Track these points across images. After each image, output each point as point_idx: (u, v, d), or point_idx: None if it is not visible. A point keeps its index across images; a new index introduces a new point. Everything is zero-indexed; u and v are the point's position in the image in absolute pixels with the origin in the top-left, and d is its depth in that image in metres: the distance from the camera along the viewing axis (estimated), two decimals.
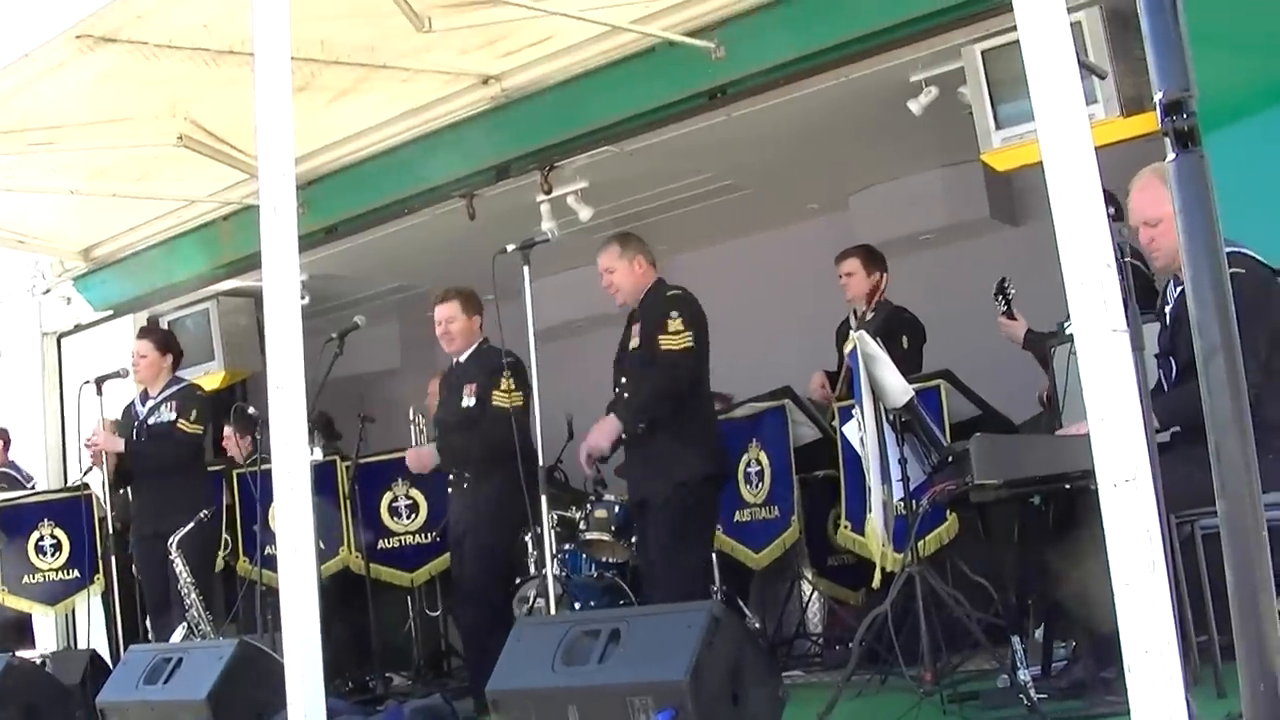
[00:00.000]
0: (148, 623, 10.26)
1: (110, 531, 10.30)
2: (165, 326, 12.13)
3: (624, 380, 8.04)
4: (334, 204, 10.70)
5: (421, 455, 9.01)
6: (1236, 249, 5.87)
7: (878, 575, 6.75)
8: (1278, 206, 6.45)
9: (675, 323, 7.87)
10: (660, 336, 7.87)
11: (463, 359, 8.79)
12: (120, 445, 9.86)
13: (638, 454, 7.99)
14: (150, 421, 9.80)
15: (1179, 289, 6.08)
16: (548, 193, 10.04)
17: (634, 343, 8.01)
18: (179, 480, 9.63)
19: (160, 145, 9.78)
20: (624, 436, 7.93)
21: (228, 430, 10.79)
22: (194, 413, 9.83)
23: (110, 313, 12.98)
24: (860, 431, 6.58)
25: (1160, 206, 5.96)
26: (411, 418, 12.04)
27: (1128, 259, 4.66)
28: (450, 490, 8.96)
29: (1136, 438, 3.99)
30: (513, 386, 8.46)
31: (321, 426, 11.61)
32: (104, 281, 12.78)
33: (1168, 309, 6.23)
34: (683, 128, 9.42)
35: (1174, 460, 5.24)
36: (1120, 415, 4.01)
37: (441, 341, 8.93)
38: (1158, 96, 3.26)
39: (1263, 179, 6.32)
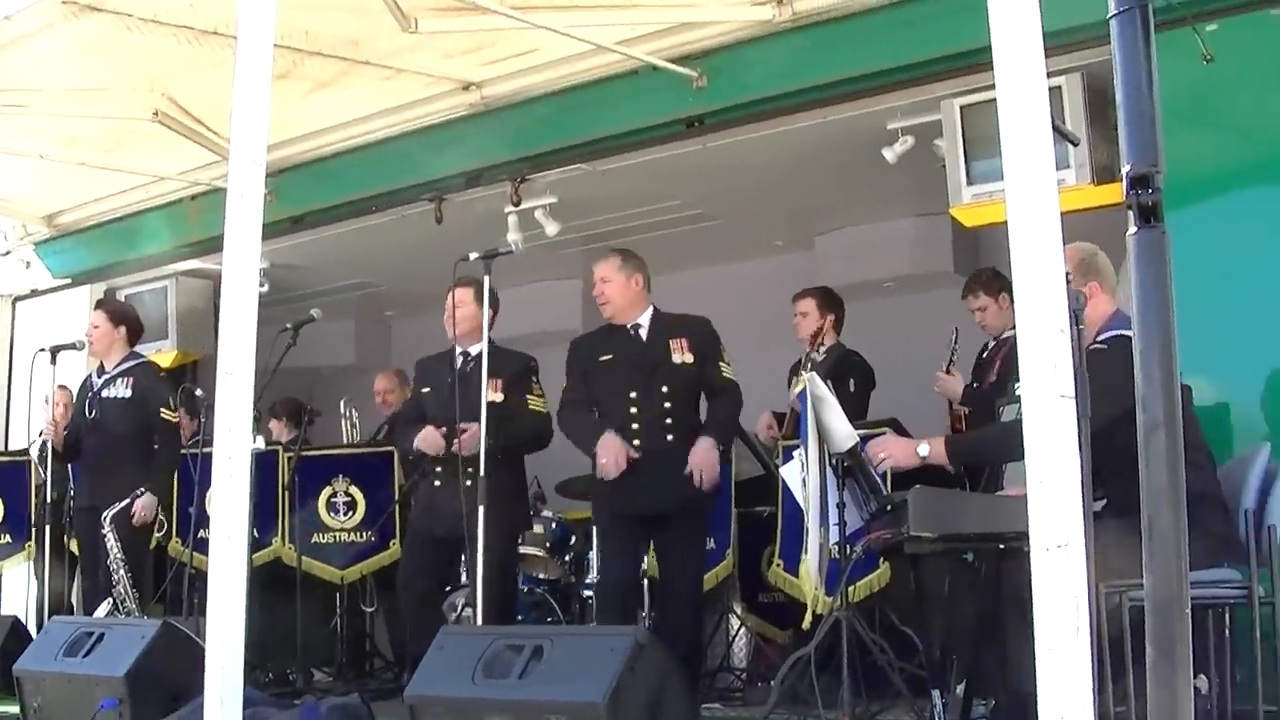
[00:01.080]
0: (73, 596, 10.21)
1: (46, 500, 10.21)
2: (122, 299, 12.06)
3: (664, 389, 8.00)
4: (303, 195, 10.69)
5: (475, 433, 8.05)
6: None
7: (809, 617, 6.74)
8: (1242, 282, 6.49)
9: (728, 355, 8.19)
10: (720, 364, 8.12)
11: (473, 350, 8.57)
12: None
13: (666, 469, 7.90)
14: (104, 395, 9.70)
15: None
16: (516, 204, 10.04)
17: (682, 357, 8.05)
18: (124, 457, 9.54)
19: (135, 119, 9.76)
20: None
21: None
22: (171, 400, 9.73)
23: (69, 281, 12.93)
24: (802, 473, 6.58)
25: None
26: (343, 411, 12.03)
27: (1081, 326, 4.68)
28: (435, 484, 8.65)
29: (1073, 504, 4.00)
30: (541, 391, 8.45)
31: (291, 413, 11.59)
32: (65, 249, 12.74)
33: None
34: (657, 153, 9.46)
35: (1110, 528, 5.27)
36: (1059, 480, 4.03)
37: (446, 325, 8.67)
38: (1125, 169, 3.28)
39: (1226, 258, 6.36)
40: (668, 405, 7.96)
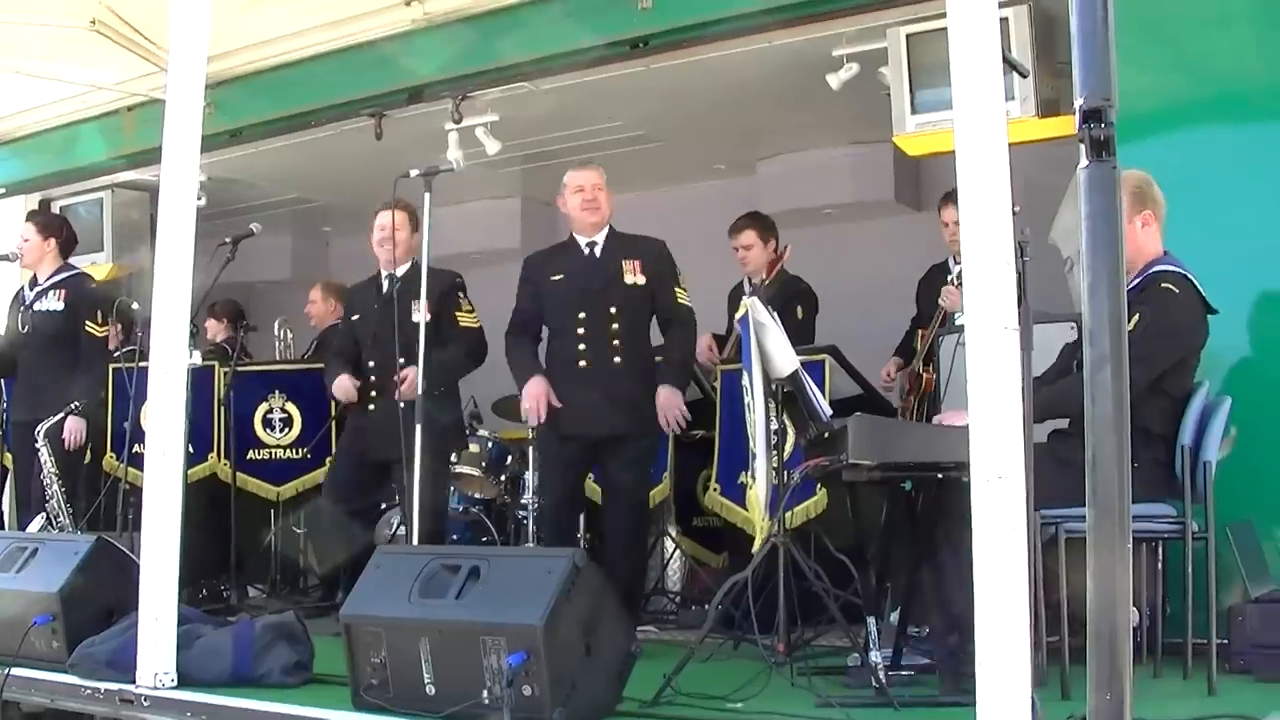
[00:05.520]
0: (2, 509, 10.17)
1: None
2: (57, 211, 11.94)
3: (612, 310, 7.95)
4: (241, 108, 10.57)
5: (413, 380, 7.88)
6: (1181, 270, 5.98)
7: (758, 544, 6.72)
8: (1188, 220, 6.51)
9: (684, 281, 8.14)
10: (676, 289, 8.06)
11: (398, 273, 8.55)
12: None
13: (612, 393, 7.88)
14: (36, 308, 9.60)
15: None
16: (457, 122, 9.97)
17: (634, 279, 7.99)
18: (57, 370, 9.45)
19: (73, 28, 9.63)
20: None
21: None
22: (99, 314, 9.63)
23: (3, 191, 12.78)
24: (748, 397, 6.57)
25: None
26: (277, 332, 11.98)
27: (1027, 258, 4.67)
28: (370, 409, 8.64)
29: (1014, 436, 4.03)
30: (470, 307, 8.41)
31: (230, 314, 11.52)
32: None
33: None
34: (600, 73, 9.41)
35: (1047, 459, 5.29)
36: (1001, 412, 4.05)
37: (379, 249, 8.65)
38: (1078, 103, 3.27)
39: (1174, 194, 6.37)
40: (615, 326, 7.93)
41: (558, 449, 8.08)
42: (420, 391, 7.63)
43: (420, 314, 7.96)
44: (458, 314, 8.45)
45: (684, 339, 8.13)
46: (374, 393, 8.62)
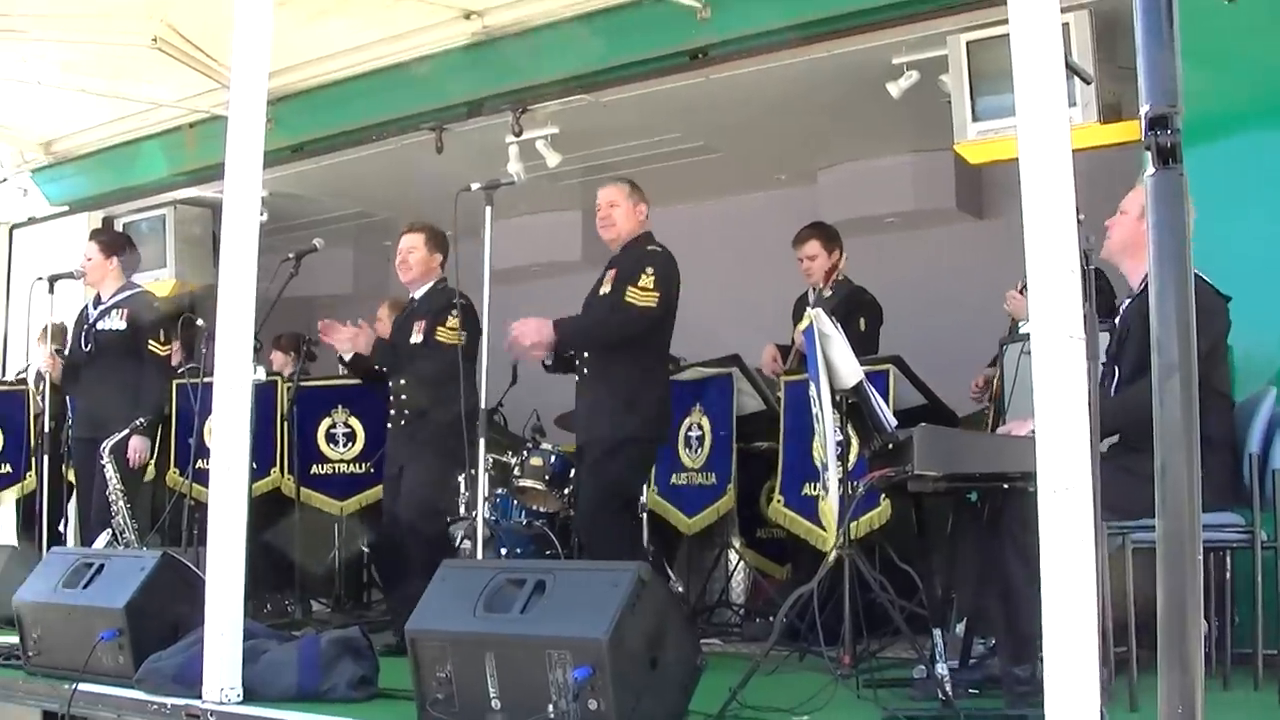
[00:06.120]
0: (64, 527, 10.21)
1: (44, 430, 10.18)
2: (119, 229, 12.01)
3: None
4: (302, 123, 10.62)
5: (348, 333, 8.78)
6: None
7: (832, 555, 6.67)
8: (1250, 226, 6.46)
9: (648, 279, 7.84)
10: (630, 288, 7.83)
11: (417, 295, 8.70)
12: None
13: (586, 402, 7.97)
14: (99, 327, 9.64)
15: (1130, 299, 6.12)
16: (517, 135, 9.99)
17: (605, 289, 7.95)
18: (120, 388, 9.48)
19: (134, 45, 9.69)
20: (547, 360, 8.10)
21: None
22: (161, 332, 9.68)
23: (66, 208, 12.88)
24: (815, 408, 6.55)
25: (1133, 203, 6.01)
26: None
27: (1092, 266, 4.64)
28: (389, 426, 8.82)
29: (1081, 446, 3.99)
30: (458, 325, 8.39)
31: (294, 346, 11.56)
32: (63, 176, 12.70)
33: (1117, 318, 6.25)
34: (660, 85, 9.41)
35: (1112, 469, 5.25)
36: (1067, 422, 4.02)
37: (399, 271, 8.83)
38: (1143, 110, 3.24)
39: (1239, 198, 6.32)
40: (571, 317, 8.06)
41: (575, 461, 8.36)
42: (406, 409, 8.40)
43: (417, 335, 8.53)
44: (439, 328, 8.49)
45: (592, 320, 8.06)
46: (391, 411, 8.80)
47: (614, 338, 7.93)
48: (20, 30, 9.38)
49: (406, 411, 8.59)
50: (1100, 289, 5.73)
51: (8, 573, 8.48)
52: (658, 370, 8.12)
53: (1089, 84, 7.16)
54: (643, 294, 7.82)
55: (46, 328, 10.07)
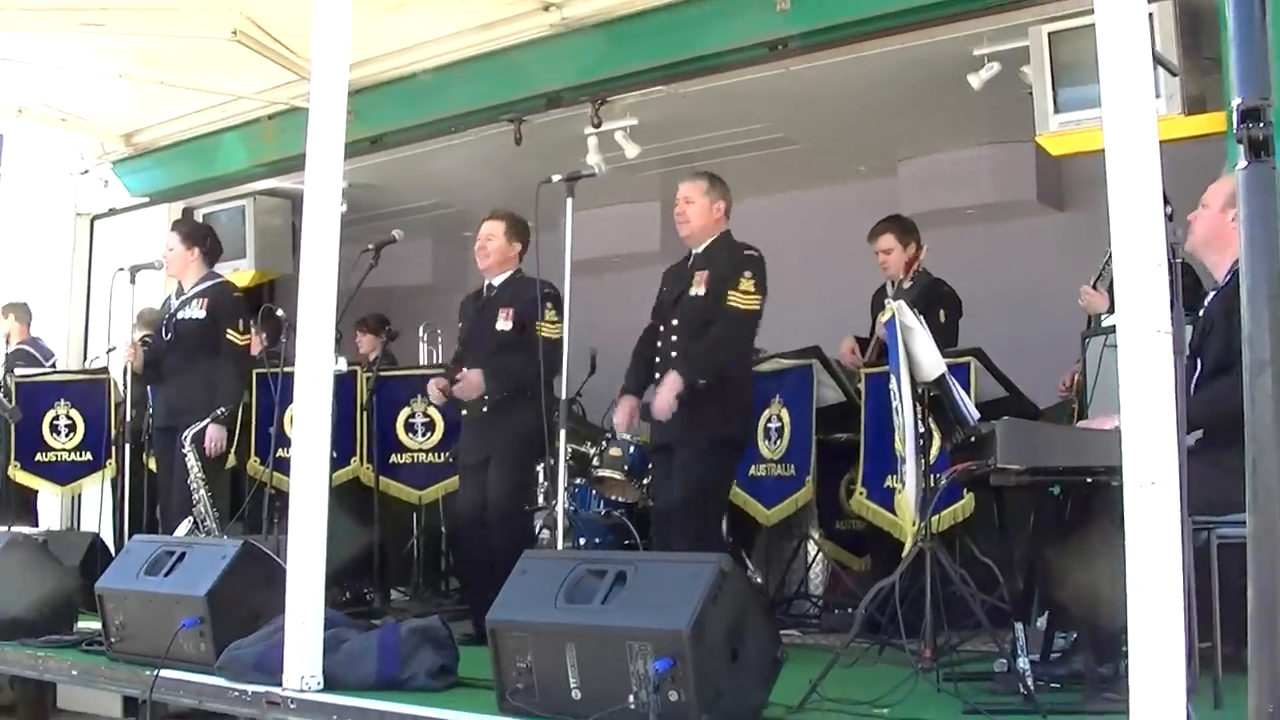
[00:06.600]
0: (157, 513, 10.27)
1: (126, 419, 10.25)
2: (199, 220, 12.10)
3: (675, 323, 7.93)
4: (381, 114, 10.65)
5: (472, 381, 8.42)
6: None
7: (908, 547, 6.65)
8: None
9: (748, 283, 7.81)
10: (731, 292, 7.79)
11: (496, 282, 8.66)
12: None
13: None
14: (180, 316, 9.68)
15: (1215, 292, 6.07)
16: (597, 126, 10.00)
17: (697, 290, 7.88)
18: (199, 377, 9.52)
19: (213, 38, 9.74)
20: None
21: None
22: (240, 321, 9.71)
23: (146, 200, 12.98)
24: (896, 401, 6.52)
25: (1215, 195, 5.96)
26: (421, 335, 12.06)
27: (1179, 259, 4.60)
28: (464, 413, 8.75)
29: (1168, 440, 3.96)
30: (555, 318, 8.38)
31: (376, 328, 11.61)
32: (143, 168, 12.79)
33: (1200, 311, 6.20)
34: (739, 76, 9.40)
35: (1199, 463, 5.20)
36: (1154, 417, 3.98)
37: (476, 257, 8.78)
38: (1235, 102, 3.21)
39: None
40: (674, 339, 7.94)
41: (656, 457, 8.29)
42: (486, 395, 8.19)
43: (505, 322, 8.45)
44: (540, 323, 8.40)
45: (709, 344, 7.87)
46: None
47: (730, 347, 7.92)
48: (98, 24, 9.45)
49: (487, 398, 8.50)
50: (1186, 285, 5.68)
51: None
52: (746, 372, 8.13)
53: (1175, 75, 7.10)
54: (745, 298, 7.83)
55: (140, 314, 10.13)
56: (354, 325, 11.44)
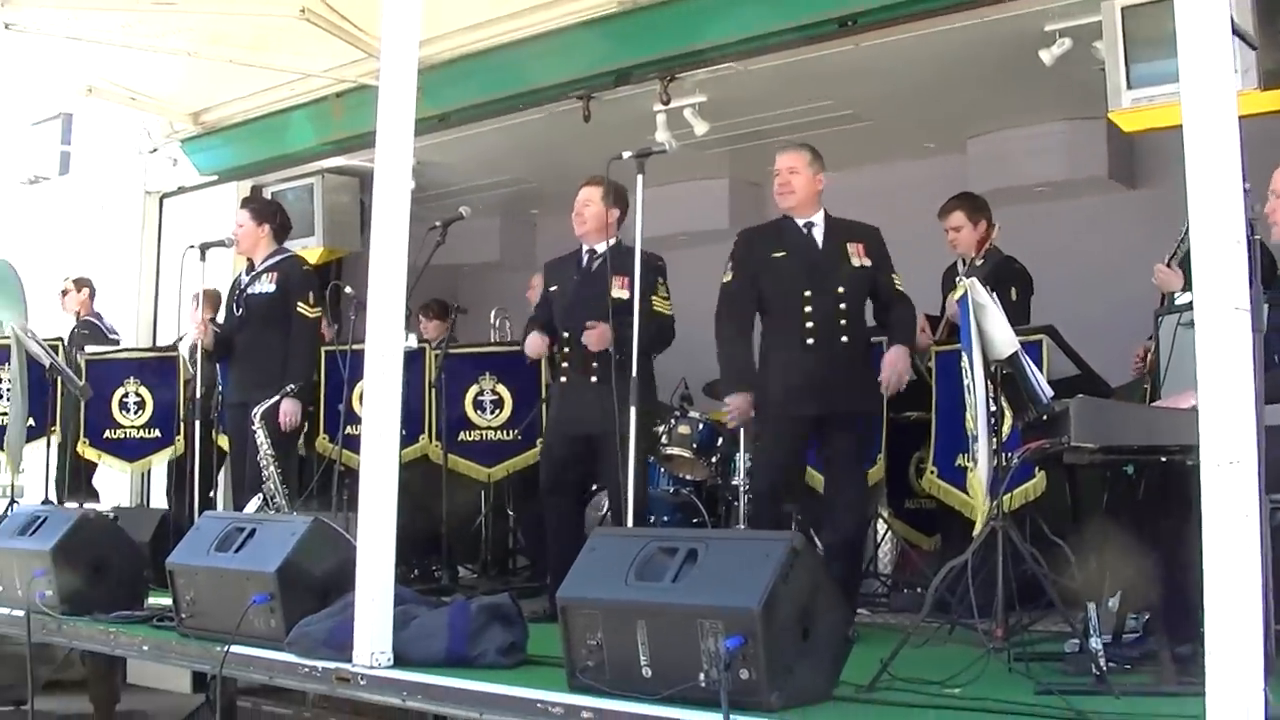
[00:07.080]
0: (214, 493, 10.34)
1: (195, 396, 10.29)
2: (268, 197, 12.13)
3: (841, 290, 7.87)
4: (449, 92, 10.63)
5: (604, 332, 8.13)
6: None
7: (979, 526, 6.62)
8: None
9: (891, 260, 8.05)
10: (894, 276, 8.00)
11: (600, 249, 8.47)
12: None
13: (828, 369, 7.78)
14: (250, 291, 9.72)
15: None
16: (665, 104, 9.98)
17: (862, 261, 7.93)
18: (270, 352, 9.54)
19: (282, 16, 9.77)
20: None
21: None
22: (311, 295, 9.71)
23: (215, 178, 13.04)
24: (968, 379, 6.48)
25: None
26: (493, 320, 12.06)
27: (1257, 236, 4.54)
28: (563, 380, 8.59)
29: (1246, 420, 3.92)
30: (666, 293, 8.34)
31: (443, 314, 11.64)
32: (211, 146, 12.84)
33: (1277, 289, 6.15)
34: (808, 53, 9.34)
35: (1275, 441, 5.15)
36: (1232, 396, 3.95)
37: (574, 222, 8.59)
38: None
39: None
40: (843, 306, 7.83)
41: (780, 429, 7.93)
42: (633, 371, 7.68)
43: (622, 290, 8.09)
44: (654, 298, 8.32)
45: (910, 317, 8.07)
46: (565, 364, 8.57)
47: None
48: (170, 2, 9.49)
49: (595, 365, 8.30)
50: (1263, 265, 5.63)
51: None
52: None
53: (1254, 49, 7.02)
54: (898, 279, 8.04)
55: (198, 295, 10.16)
56: (418, 311, 11.44)
